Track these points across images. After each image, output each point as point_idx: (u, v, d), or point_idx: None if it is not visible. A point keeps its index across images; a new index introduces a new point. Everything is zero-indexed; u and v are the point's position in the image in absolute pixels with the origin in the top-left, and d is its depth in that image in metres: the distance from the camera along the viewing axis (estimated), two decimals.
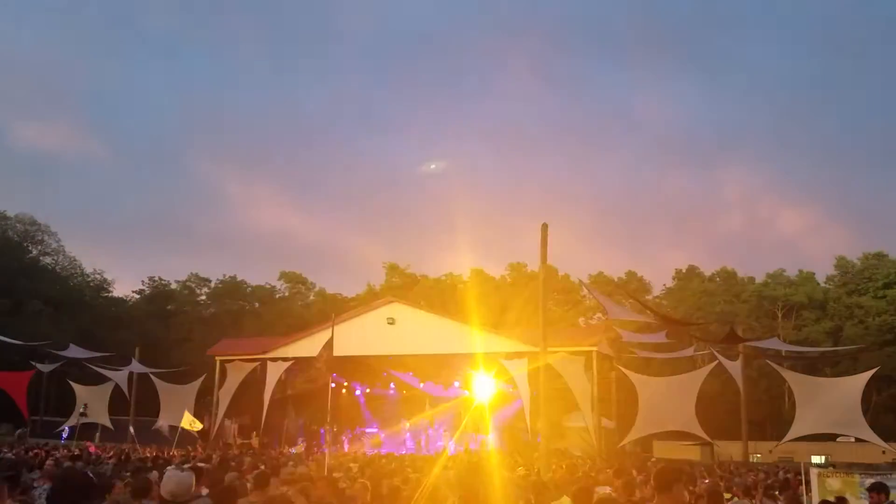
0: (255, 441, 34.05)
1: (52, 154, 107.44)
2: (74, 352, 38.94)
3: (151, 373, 37.90)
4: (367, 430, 36.97)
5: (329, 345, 15.53)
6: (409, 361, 35.08)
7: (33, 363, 38.26)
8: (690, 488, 11.86)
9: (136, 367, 38.00)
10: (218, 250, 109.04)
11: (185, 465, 12.41)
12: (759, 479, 16.13)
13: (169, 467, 12.19)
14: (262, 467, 10.75)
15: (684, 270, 72.62)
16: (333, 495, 7.80)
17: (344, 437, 34.87)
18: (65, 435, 34.88)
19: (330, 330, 16.76)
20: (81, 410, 35.13)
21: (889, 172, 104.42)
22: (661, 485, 5.14)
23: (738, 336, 32.00)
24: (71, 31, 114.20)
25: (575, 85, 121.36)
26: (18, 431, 34.76)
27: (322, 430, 35.78)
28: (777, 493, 11.84)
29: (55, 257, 62.00)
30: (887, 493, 8.45)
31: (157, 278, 69.32)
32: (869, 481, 9.91)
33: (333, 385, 38.12)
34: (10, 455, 17.75)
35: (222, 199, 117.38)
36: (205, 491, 7.32)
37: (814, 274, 65.02)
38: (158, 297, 68.07)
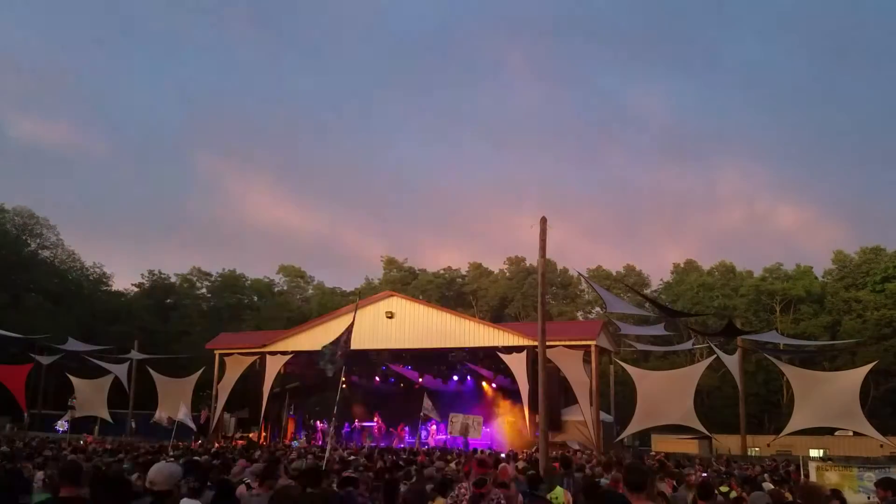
0: (253, 435, 34.08)
1: (52, 148, 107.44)
2: (73, 345, 38.90)
3: (151, 358, 37.90)
4: (366, 424, 37.02)
5: (349, 329, 15.43)
6: (408, 355, 35.08)
7: (32, 356, 38.21)
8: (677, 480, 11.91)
9: (136, 355, 37.95)
10: (217, 244, 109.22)
11: (181, 459, 12.42)
12: (756, 473, 16.17)
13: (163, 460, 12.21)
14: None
15: (682, 265, 72.68)
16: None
17: (343, 431, 34.90)
18: (60, 429, 34.93)
19: (351, 317, 16.59)
20: (70, 403, 35.13)
21: (886, 168, 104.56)
22: (632, 485, 4.79)
23: (737, 329, 32.02)
24: (70, 27, 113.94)
25: (573, 81, 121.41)
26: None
27: (319, 424, 35.88)
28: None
29: (54, 251, 61.95)
30: (895, 490, 8.38)
31: (156, 272, 69.36)
32: (867, 475, 9.92)
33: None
34: (5, 448, 17.75)
35: (221, 194, 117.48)
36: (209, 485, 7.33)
37: (811, 268, 65.13)
38: (157, 290, 68.02)
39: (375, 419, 36.02)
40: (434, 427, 34.27)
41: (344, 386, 34.00)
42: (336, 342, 15.80)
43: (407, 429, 35.39)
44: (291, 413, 37.13)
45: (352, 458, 16.63)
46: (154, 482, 5.16)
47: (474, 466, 9.81)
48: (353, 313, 17.66)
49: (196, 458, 14.97)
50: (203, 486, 6.90)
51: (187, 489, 6.88)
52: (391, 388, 40.14)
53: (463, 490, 7.97)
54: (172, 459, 14.70)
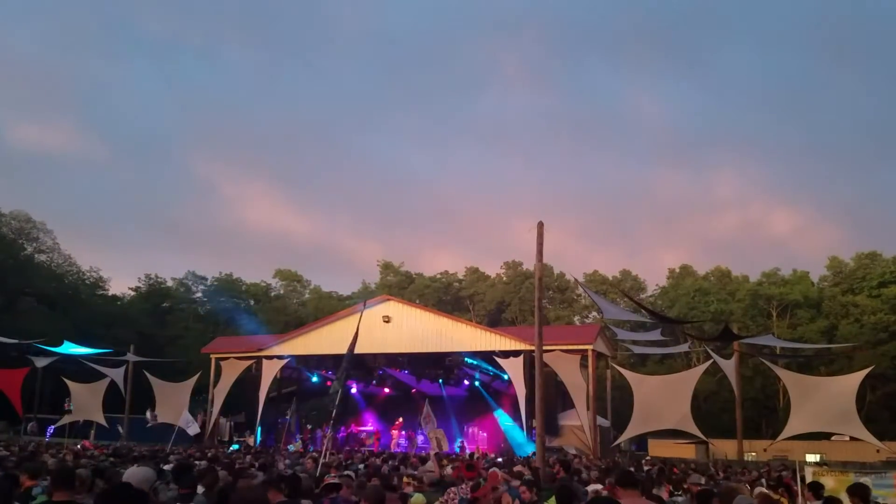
0: (249, 439, 34.01)
1: (48, 152, 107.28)
2: (69, 348, 38.75)
3: (148, 362, 37.78)
4: (363, 429, 36.96)
5: (354, 338, 15.35)
6: (405, 359, 35.04)
7: (29, 357, 38.02)
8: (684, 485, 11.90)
9: (132, 357, 37.87)
10: (214, 248, 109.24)
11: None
12: (753, 478, 16.16)
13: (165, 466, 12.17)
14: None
15: (678, 269, 72.76)
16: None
17: (339, 436, 34.83)
18: (49, 432, 34.86)
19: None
20: (67, 407, 35.03)
21: (882, 173, 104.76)
22: (624, 482, 5.79)
23: (733, 333, 31.97)
24: (68, 32, 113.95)
25: (570, 85, 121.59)
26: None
27: (321, 429, 35.79)
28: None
29: (50, 255, 61.75)
30: (866, 497, 8.30)
31: (153, 276, 69.28)
32: (863, 479, 9.91)
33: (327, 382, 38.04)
34: (5, 453, 17.66)
35: (218, 198, 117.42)
36: (200, 489, 7.30)
37: (808, 273, 65.23)
38: (154, 294, 67.94)
39: (397, 423, 35.61)
40: (396, 432, 34.47)
41: (354, 391, 33.78)
42: (348, 357, 15.68)
43: (403, 433, 35.36)
44: (288, 417, 37.04)
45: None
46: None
47: (462, 471, 9.82)
48: (357, 318, 17.46)
49: (196, 462, 14.89)
50: (193, 491, 6.86)
51: (178, 494, 6.85)
52: (388, 392, 40.06)
53: (451, 494, 7.95)
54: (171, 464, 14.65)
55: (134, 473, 5.42)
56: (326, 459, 13.31)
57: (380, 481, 8.83)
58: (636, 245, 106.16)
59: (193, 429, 30.42)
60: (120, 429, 35.41)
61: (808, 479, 11.25)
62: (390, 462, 16.27)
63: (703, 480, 10.90)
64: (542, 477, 13.34)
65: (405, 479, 10.01)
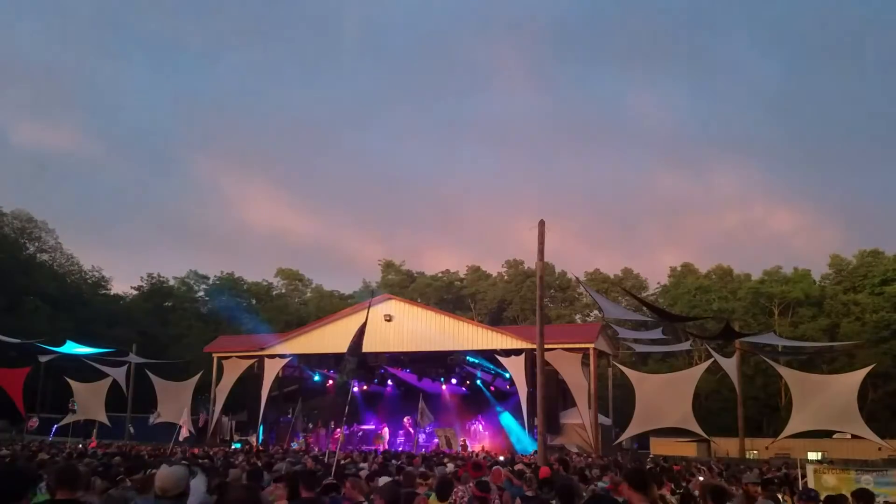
0: (252, 438, 34.03)
1: (51, 152, 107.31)
2: (72, 348, 38.78)
3: (149, 363, 37.82)
4: (364, 427, 36.97)
5: (361, 331, 15.18)
6: (407, 358, 35.07)
7: (34, 354, 38.02)
8: (684, 484, 11.92)
9: (134, 358, 37.92)
10: (215, 247, 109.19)
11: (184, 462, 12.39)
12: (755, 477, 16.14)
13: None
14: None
15: (679, 268, 72.70)
16: None
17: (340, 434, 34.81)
18: (53, 431, 34.94)
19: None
20: (72, 407, 35.09)
21: (883, 171, 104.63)
22: (636, 484, 5.50)
23: (734, 331, 31.97)
24: (68, 32, 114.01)
25: (572, 85, 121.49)
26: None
27: (325, 428, 35.85)
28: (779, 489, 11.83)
29: (52, 254, 61.82)
30: (867, 500, 8.25)
31: (155, 275, 69.27)
32: (865, 477, 9.93)
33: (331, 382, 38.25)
34: (7, 452, 17.71)
35: (220, 197, 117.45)
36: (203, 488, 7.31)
37: (810, 271, 65.16)
38: (156, 293, 67.95)
39: (406, 422, 35.65)
40: (386, 430, 34.58)
41: (356, 389, 34.18)
42: (352, 350, 15.48)
43: (401, 432, 35.41)
44: (290, 416, 37.12)
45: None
46: (166, 489, 5.02)
47: (469, 470, 9.83)
48: (363, 314, 17.24)
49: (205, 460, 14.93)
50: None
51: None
52: (390, 391, 40.08)
53: (459, 493, 7.95)
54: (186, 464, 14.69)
55: (169, 473, 5.20)
56: (335, 457, 13.27)
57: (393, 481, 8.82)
58: (637, 243, 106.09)
59: (184, 432, 30.38)
60: (132, 429, 35.47)
61: (810, 476, 11.27)
62: (393, 461, 16.32)
63: (757, 479, 10.65)
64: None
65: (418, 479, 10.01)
